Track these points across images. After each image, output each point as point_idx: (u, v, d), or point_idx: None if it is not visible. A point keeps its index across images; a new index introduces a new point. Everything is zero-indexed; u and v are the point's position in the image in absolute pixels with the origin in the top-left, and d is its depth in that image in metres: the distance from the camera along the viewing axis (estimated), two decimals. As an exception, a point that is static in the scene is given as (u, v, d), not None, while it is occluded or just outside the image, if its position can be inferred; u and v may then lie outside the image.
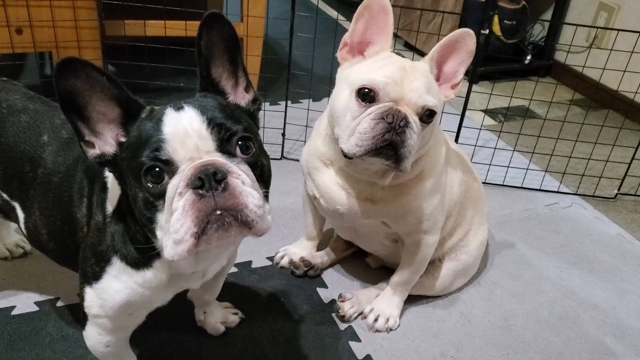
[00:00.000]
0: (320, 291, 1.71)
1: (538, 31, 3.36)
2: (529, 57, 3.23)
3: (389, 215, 1.47)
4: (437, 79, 1.38)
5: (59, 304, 1.55)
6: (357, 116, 1.27)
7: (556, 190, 2.29)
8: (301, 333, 1.57)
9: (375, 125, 1.24)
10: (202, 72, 1.05)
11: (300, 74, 2.73)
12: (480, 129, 2.25)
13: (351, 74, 1.32)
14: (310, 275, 1.75)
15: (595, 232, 2.09)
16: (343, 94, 1.31)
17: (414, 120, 1.26)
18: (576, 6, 3.17)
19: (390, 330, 1.60)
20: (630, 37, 2.02)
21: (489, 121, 2.82)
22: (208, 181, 0.89)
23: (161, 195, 0.93)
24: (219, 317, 1.54)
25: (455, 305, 1.71)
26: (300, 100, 2.54)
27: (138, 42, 2.17)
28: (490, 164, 2.28)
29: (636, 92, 2.10)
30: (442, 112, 2.08)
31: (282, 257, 1.78)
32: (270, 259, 1.80)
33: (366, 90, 1.26)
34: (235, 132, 0.96)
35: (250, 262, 1.78)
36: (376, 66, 1.30)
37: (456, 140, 2.21)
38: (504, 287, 1.80)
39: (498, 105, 2.93)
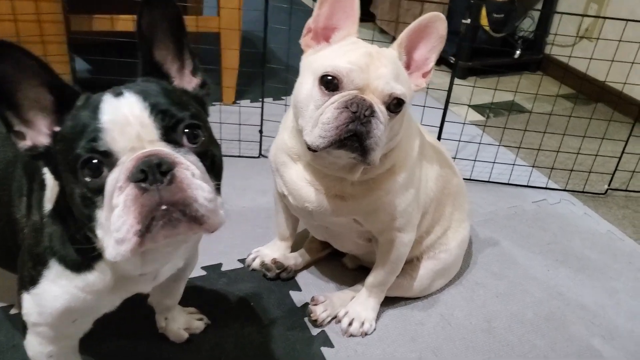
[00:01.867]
0: (293, 294, 1.62)
1: (528, 25, 3.27)
2: (518, 52, 3.14)
3: (360, 212, 1.39)
4: (408, 66, 1.29)
5: (13, 311, 1.46)
6: (320, 105, 1.18)
7: (544, 186, 2.20)
8: (270, 339, 1.48)
9: (339, 115, 1.16)
10: (144, 55, 0.96)
11: (280, 68, 2.65)
12: (464, 123, 2.16)
13: (315, 61, 1.24)
14: (283, 277, 1.66)
15: (584, 229, 2.00)
16: (306, 82, 1.23)
17: (380, 109, 1.18)
18: (566, -2, 3.09)
19: (366, 334, 1.52)
20: (620, 28, 1.94)
21: (476, 117, 2.73)
22: (152, 173, 0.81)
23: (100, 190, 0.84)
24: (182, 323, 1.45)
25: (435, 307, 1.63)
26: (282, 97, 2.46)
27: (109, 37, 2.09)
28: (475, 160, 2.20)
29: (625, 83, 2.01)
30: (425, 106, 2.05)
31: (253, 259, 1.69)
32: (242, 261, 1.71)
33: (329, 77, 1.17)
34: (182, 119, 0.88)
35: (220, 265, 1.69)
36: (341, 52, 1.21)
37: (439, 135, 2.12)
38: (488, 288, 1.71)
39: (487, 101, 2.84)
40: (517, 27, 3.33)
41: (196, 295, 1.58)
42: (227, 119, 2.30)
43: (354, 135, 1.17)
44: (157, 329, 1.45)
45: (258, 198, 1.98)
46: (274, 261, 1.65)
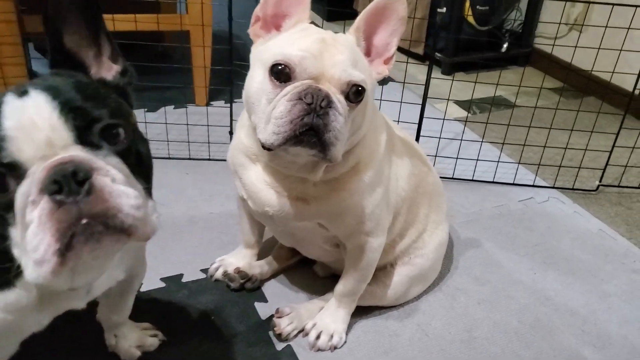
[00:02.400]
0: (259, 306, 1.50)
1: (516, 15, 3.16)
2: (505, 45, 3.02)
3: (324, 215, 1.27)
4: (368, 53, 1.18)
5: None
6: (273, 99, 1.07)
7: (531, 184, 2.08)
8: (231, 356, 1.36)
9: (292, 107, 1.04)
10: (53, 42, 0.85)
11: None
12: (444, 119, 2.04)
13: (264, 51, 1.12)
14: (247, 288, 1.54)
15: (574, 229, 1.88)
16: (257, 75, 1.11)
17: (338, 99, 1.06)
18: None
19: (335, 348, 1.40)
20: (606, 15, 1.83)
21: (461, 113, 2.62)
22: (67, 184, 0.71)
23: (9, 206, 0.73)
24: (133, 340, 1.33)
25: (412, 317, 1.51)
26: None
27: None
28: (457, 158, 2.08)
29: (612, 72, 1.89)
30: (402, 102, 1.91)
31: (216, 269, 1.57)
32: (205, 271, 1.59)
33: (280, 67, 1.06)
34: (98, 118, 0.78)
35: (180, 276, 1.57)
36: (292, 39, 1.10)
37: (418, 132, 2.01)
38: (469, 294, 1.59)
39: (474, 96, 2.72)
40: (504, 20, 3.22)
41: (152, 309, 1.46)
42: (200, 121, 2.20)
43: (310, 130, 1.05)
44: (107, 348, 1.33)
45: (227, 203, 1.86)
46: (237, 270, 1.53)
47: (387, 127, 1.35)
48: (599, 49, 1.87)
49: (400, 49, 3.09)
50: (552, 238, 1.83)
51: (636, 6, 1.81)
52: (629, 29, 1.81)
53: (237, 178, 1.34)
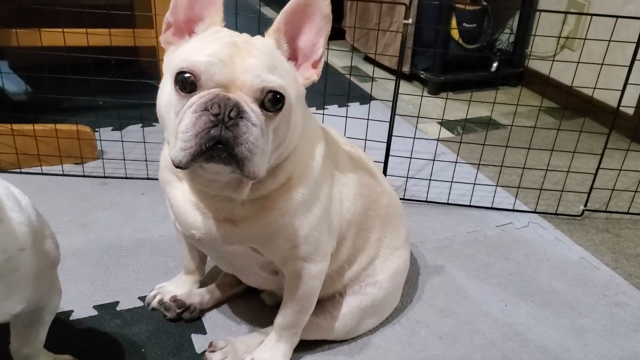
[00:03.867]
0: (196, 338, 1.37)
1: (506, 37, 3.05)
2: (495, 64, 2.91)
3: (254, 238, 1.14)
4: (294, 57, 1.06)
5: None
6: (179, 111, 0.95)
7: (511, 208, 1.94)
8: (156, 394, 1.23)
9: (197, 120, 0.92)
10: None
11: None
12: (414, 138, 1.91)
13: (173, 59, 1.01)
14: (185, 318, 1.41)
15: (554, 257, 1.74)
16: (166, 86, 0.99)
17: (251, 108, 0.94)
18: (544, 6, 2.85)
19: (273, 386, 1.26)
20: (600, 34, 1.71)
21: (446, 134, 2.49)
22: None
23: None
24: (47, 374, 1.21)
25: (364, 352, 1.37)
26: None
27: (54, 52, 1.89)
28: (430, 179, 1.95)
29: (594, 88, 1.76)
30: (368, 119, 1.77)
31: (154, 297, 1.45)
32: (143, 299, 1.47)
33: (184, 74, 0.94)
34: None
35: (116, 304, 1.45)
36: (201, 45, 0.98)
37: (387, 152, 1.88)
38: (431, 327, 1.45)
39: (458, 117, 2.60)
40: (496, 39, 3.11)
41: (79, 339, 1.34)
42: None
43: (219, 143, 0.93)
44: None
45: (171, 224, 1.74)
46: (174, 299, 1.41)
47: (329, 140, 1.24)
48: (577, 63, 1.75)
49: (385, 68, 3.00)
50: (528, 267, 1.68)
51: (617, 16, 1.69)
52: (609, 41, 1.68)
53: (166, 197, 1.22)
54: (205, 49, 0.95)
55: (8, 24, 1.99)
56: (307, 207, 1.14)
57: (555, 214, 1.94)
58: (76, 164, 2.00)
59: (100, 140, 2.03)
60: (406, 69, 2.89)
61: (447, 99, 2.00)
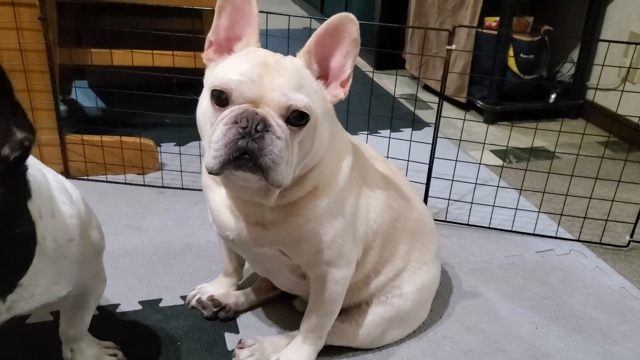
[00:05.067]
0: (229, 336, 1.45)
1: (568, 69, 3.03)
2: (553, 96, 2.89)
3: (282, 242, 1.22)
4: (324, 76, 1.14)
5: None
6: (214, 123, 1.06)
7: (554, 235, 1.93)
8: (185, 383, 1.32)
9: (227, 131, 1.02)
10: None
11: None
12: (456, 161, 1.95)
13: (211, 75, 1.11)
14: (221, 317, 1.50)
15: (592, 284, 1.72)
16: (204, 99, 1.10)
17: (277, 122, 1.03)
18: (606, 37, 2.83)
19: (295, 385, 1.32)
20: None
21: (497, 162, 2.50)
22: None
23: None
24: (90, 356, 1.31)
25: (387, 362, 1.41)
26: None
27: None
28: (472, 202, 1.97)
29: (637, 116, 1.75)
30: (411, 141, 1.78)
31: (194, 296, 1.55)
32: (184, 298, 1.57)
33: (218, 91, 1.04)
34: None
35: (159, 300, 1.56)
36: (236, 64, 1.08)
37: (429, 174, 1.93)
38: (457, 343, 1.47)
39: (513, 146, 2.60)
40: (557, 72, 3.10)
41: (122, 329, 1.45)
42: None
43: (245, 153, 1.02)
44: (63, 362, 1.32)
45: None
46: (211, 298, 1.50)
47: (358, 154, 1.30)
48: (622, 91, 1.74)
49: (443, 96, 3.04)
50: (564, 292, 1.67)
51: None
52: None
53: (207, 201, 1.32)
54: (238, 68, 1.05)
55: (85, 45, 2.19)
56: (332, 214, 1.21)
57: (600, 243, 1.91)
58: (138, 174, 2.15)
59: (160, 152, 2.17)
60: (463, 98, 2.93)
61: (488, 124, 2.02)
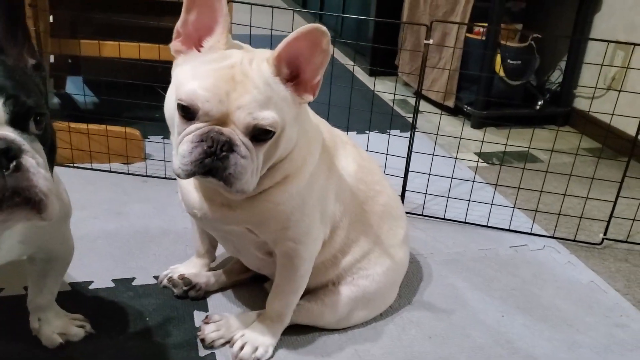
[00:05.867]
0: (197, 314, 1.48)
1: (556, 76, 3.07)
2: (540, 103, 2.93)
3: (249, 221, 1.25)
4: (293, 78, 1.12)
5: None
6: (180, 132, 1.08)
7: (529, 231, 1.95)
8: (151, 355, 1.34)
9: (193, 149, 1.05)
10: None
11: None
12: (433, 155, 1.97)
13: (178, 74, 1.11)
14: (191, 296, 1.52)
15: (563, 278, 1.74)
16: (171, 97, 1.11)
17: (242, 142, 1.06)
18: (593, 47, 2.87)
19: (258, 361, 1.34)
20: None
21: (481, 164, 2.52)
22: None
23: None
24: (57, 327, 1.34)
25: (352, 342, 1.43)
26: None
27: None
28: (448, 197, 2.00)
29: (612, 115, 1.78)
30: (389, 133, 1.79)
31: (166, 275, 1.57)
32: (157, 278, 1.60)
33: (185, 107, 1.05)
34: (31, 106, 0.86)
35: (132, 279, 1.58)
36: (201, 71, 1.07)
37: (406, 168, 1.96)
38: (422, 327, 1.49)
39: (496, 150, 2.63)
40: (547, 80, 3.13)
41: (92, 304, 1.48)
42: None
43: (211, 170, 1.07)
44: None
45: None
46: (182, 277, 1.52)
47: (329, 138, 1.33)
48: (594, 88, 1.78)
49: (431, 102, 3.09)
50: (534, 285, 1.69)
51: None
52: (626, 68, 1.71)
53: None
54: (204, 82, 1.04)
55: (73, 36, 2.24)
56: (302, 197, 1.24)
57: (574, 240, 1.93)
58: (123, 163, 2.18)
59: (145, 141, 2.21)
60: (451, 102, 2.96)
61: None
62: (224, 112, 1.04)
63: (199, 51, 1.12)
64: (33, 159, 0.83)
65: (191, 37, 1.13)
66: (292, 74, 1.12)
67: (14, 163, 0.81)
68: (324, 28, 1.05)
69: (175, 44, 1.15)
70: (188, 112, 1.05)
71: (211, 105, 1.03)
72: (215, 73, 1.05)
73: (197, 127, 1.05)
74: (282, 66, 1.10)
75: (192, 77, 1.07)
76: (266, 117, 1.05)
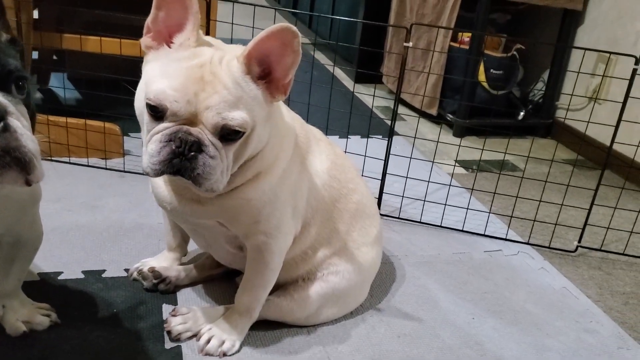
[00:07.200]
0: (166, 308, 1.46)
1: (540, 87, 3.10)
2: (522, 113, 2.95)
3: (220, 215, 1.25)
4: (265, 76, 1.11)
5: None
6: (150, 130, 1.08)
7: (504, 237, 1.96)
8: (116, 346, 1.32)
9: (162, 149, 1.06)
10: None
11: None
12: (411, 158, 1.98)
13: (148, 71, 1.11)
14: (161, 289, 1.51)
15: (535, 284, 1.74)
16: (141, 95, 1.11)
17: (211, 142, 1.06)
18: (576, 59, 2.90)
19: (225, 355, 1.33)
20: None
21: (461, 171, 2.54)
22: None
23: None
24: (22, 315, 1.32)
25: (320, 339, 1.42)
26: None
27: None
28: (424, 200, 2.00)
29: (588, 122, 1.80)
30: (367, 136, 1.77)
31: (136, 268, 1.56)
32: (128, 270, 1.58)
33: (153, 106, 1.05)
34: (13, 70, 0.88)
35: (102, 271, 1.57)
36: (170, 70, 1.06)
37: (384, 170, 1.96)
38: (392, 327, 1.49)
39: (476, 157, 2.65)
40: (530, 91, 3.16)
41: (60, 294, 1.46)
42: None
43: (179, 170, 1.07)
44: (-4, 320, 1.33)
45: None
46: (152, 270, 1.51)
47: (302, 135, 1.33)
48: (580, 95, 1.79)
49: (415, 109, 3.10)
50: (506, 289, 1.70)
51: None
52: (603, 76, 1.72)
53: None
54: (175, 81, 1.04)
55: (58, 30, 2.23)
56: (274, 193, 1.24)
57: (549, 247, 1.94)
58: (102, 158, 2.17)
59: (125, 137, 2.20)
60: (434, 110, 2.98)
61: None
62: (193, 113, 1.04)
63: (169, 47, 1.11)
64: (18, 121, 0.84)
65: (161, 33, 1.12)
66: (264, 72, 1.11)
67: (1, 124, 0.82)
68: (295, 28, 1.05)
69: (145, 40, 1.14)
70: (157, 112, 1.05)
71: (179, 106, 1.03)
72: (184, 72, 1.05)
73: (165, 127, 1.05)
74: (252, 64, 1.09)
75: (161, 75, 1.06)
76: (235, 117, 1.05)
